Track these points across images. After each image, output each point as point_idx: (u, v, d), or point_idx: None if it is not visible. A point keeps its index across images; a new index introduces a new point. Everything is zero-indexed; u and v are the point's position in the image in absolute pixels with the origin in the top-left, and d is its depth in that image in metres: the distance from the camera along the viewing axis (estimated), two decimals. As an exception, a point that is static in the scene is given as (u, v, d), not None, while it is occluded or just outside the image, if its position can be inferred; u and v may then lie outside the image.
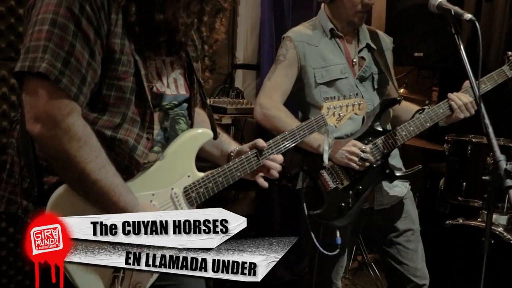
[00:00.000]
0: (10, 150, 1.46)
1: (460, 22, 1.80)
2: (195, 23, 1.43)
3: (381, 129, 2.23)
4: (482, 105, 1.58)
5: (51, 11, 1.23)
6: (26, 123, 1.25)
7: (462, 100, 2.18)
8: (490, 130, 1.55)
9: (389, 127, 2.34)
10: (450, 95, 2.21)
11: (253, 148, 1.65)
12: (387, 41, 2.47)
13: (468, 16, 1.72)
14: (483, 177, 1.47)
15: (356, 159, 2.12)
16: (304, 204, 2.20)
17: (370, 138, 2.21)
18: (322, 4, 2.36)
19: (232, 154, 1.69)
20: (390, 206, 2.36)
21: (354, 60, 2.32)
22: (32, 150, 1.35)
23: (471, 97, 2.20)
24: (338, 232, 2.19)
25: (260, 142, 1.65)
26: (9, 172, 1.46)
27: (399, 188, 2.37)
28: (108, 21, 1.29)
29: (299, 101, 2.37)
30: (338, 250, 2.20)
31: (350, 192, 2.21)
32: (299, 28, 2.35)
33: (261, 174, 1.68)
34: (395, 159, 2.36)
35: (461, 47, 1.70)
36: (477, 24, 1.66)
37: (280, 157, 1.67)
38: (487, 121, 1.56)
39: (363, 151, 2.12)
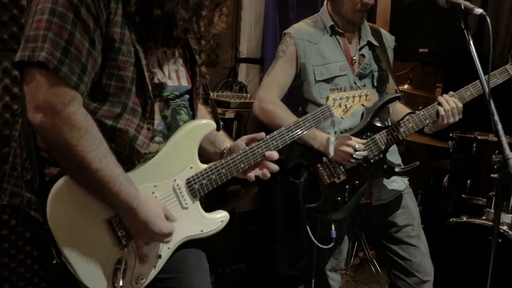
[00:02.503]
0: (13, 142, 1.45)
1: (467, 17, 1.78)
2: (194, 17, 1.41)
3: (379, 125, 2.23)
4: (492, 102, 1.56)
5: (50, 1, 1.22)
6: (28, 113, 1.24)
7: (450, 104, 2.16)
8: (500, 127, 1.53)
9: (389, 123, 2.34)
10: (439, 97, 2.20)
11: (252, 142, 1.63)
12: (389, 39, 2.48)
13: (479, 10, 1.70)
14: (492, 175, 1.45)
15: (349, 157, 2.12)
16: (301, 197, 2.22)
17: (368, 134, 2.21)
18: (325, 0, 2.37)
19: (225, 151, 1.68)
20: (388, 202, 2.37)
21: (354, 58, 2.34)
22: (34, 142, 1.34)
23: (460, 102, 2.18)
24: (333, 226, 2.21)
25: (261, 135, 1.63)
26: (12, 165, 1.45)
27: (397, 184, 2.38)
28: (107, 9, 1.28)
29: (299, 97, 2.39)
30: (332, 243, 2.23)
31: (347, 186, 2.22)
32: (300, 25, 2.36)
33: (255, 172, 1.63)
34: (394, 156, 2.37)
35: (471, 42, 1.68)
36: (488, 19, 1.63)
37: (276, 154, 1.64)
38: (496, 118, 1.53)
39: (356, 150, 2.11)
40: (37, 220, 1.34)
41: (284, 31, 2.35)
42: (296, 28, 2.34)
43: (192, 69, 1.59)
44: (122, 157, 1.37)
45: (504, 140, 1.50)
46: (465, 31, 1.71)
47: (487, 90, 1.59)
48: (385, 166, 2.23)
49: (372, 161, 2.21)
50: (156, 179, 1.47)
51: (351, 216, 2.32)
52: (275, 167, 1.64)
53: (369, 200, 2.35)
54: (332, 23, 2.30)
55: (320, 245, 2.23)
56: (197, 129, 1.54)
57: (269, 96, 2.26)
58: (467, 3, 1.75)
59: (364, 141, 2.16)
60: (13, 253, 2.54)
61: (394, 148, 2.34)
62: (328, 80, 2.28)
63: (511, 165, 1.42)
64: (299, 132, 1.70)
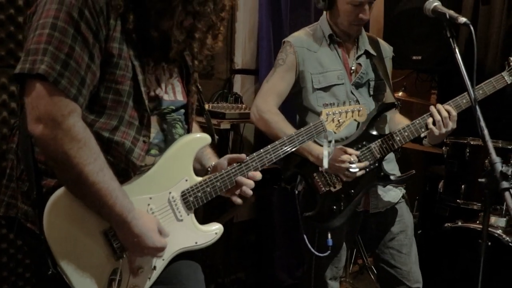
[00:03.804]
0: (10, 154, 1.48)
1: (456, 25, 1.81)
2: (188, 39, 1.44)
3: (375, 134, 2.24)
4: (477, 108, 1.59)
5: (51, 16, 1.26)
6: (28, 124, 1.27)
7: (442, 114, 2.15)
8: (486, 132, 1.55)
9: (387, 131, 2.35)
10: (431, 107, 2.19)
11: (234, 161, 1.64)
12: (387, 49, 2.50)
13: (463, 19, 1.73)
14: (479, 179, 1.48)
15: (344, 171, 2.13)
16: (298, 206, 2.24)
17: (364, 143, 2.22)
18: (324, 10, 2.38)
19: (209, 169, 1.70)
20: (385, 210, 2.38)
21: (352, 67, 2.35)
22: (32, 154, 1.37)
23: (455, 110, 2.16)
24: (329, 234, 2.22)
25: (243, 156, 1.65)
26: (9, 177, 1.48)
27: (394, 192, 2.39)
28: (107, 26, 1.32)
29: (297, 105, 2.40)
30: (329, 251, 2.24)
31: (342, 195, 2.23)
32: (300, 33, 2.38)
33: (237, 192, 1.65)
34: (391, 164, 2.37)
35: (456, 50, 1.71)
36: (472, 28, 1.67)
37: (258, 175, 1.66)
38: (482, 123, 1.56)
39: (351, 162, 2.12)
40: (33, 232, 1.37)
41: (284, 40, 2.37)
42: (296, 36, 2.36)
43: (188, 84, 1.63)
44: (118, 169, 1.39)
45: (490, 145, 1.52)
46: (451, 40, 1.74)
47: (472, 95, 1.61)
48: (381, 174, 2.24)
49: (367, 169, 2.21)
50: (152, 191, 1.50)
51: (349, 223, 2.33)
52: (249, 189, 1.64)
53: (367, 208, 2.36)
54: (330, 32, 2.33)
55: (317, 253, 2.25)
56: (192, 142, 1.57)
57: (267, 104, 2.27)
58: (452, 12, 1.77)
59: (358, 152, 2.17)
60: (12, 267, 2.56)
61: (391, 156, 2.35)
62: (325, 89, 2.29)
63: (497, 169, 1.45)
64: (292, 147, 1.72)
